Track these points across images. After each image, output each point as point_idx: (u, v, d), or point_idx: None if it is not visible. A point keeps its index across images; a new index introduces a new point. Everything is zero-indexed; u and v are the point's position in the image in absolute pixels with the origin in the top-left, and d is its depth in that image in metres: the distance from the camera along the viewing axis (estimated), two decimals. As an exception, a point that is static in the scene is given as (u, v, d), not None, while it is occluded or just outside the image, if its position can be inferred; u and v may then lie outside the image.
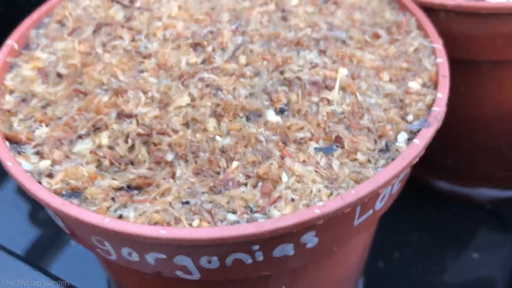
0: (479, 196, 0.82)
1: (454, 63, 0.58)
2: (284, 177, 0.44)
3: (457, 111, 0.65)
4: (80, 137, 0.48)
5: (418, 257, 0.77)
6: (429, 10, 0.60)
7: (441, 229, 0.81)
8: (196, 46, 0.54)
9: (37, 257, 0.80)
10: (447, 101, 0.50)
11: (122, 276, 0.58)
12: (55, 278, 0.53)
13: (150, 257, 0.45)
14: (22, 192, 0.83)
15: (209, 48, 0.53)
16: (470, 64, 0.67)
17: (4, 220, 0.85)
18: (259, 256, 0.44)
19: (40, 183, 0.45)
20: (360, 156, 0.46)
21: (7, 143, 0.48)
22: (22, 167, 0.46)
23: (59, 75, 0.54)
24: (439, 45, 0.55)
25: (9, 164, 0.46)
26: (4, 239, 0.59)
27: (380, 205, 0.47)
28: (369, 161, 0.46)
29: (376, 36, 0.56)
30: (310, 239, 0.44)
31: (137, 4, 0.60)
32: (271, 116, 0.48)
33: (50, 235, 0.83)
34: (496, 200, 0.82)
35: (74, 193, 0.45)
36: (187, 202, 0.43)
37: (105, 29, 0.57)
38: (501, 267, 0.75)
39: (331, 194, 0.43)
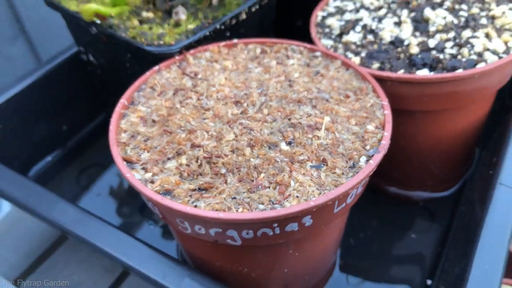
0: (416, 197, 0.85)
1: (397, 112, 0.63)
2: (292, 183, 0.48)
3: (399, 142, 0.71)
4: (168, 159, 0.53)
5: (375, 236, 0.80)
6: (380, 80, 0.65)
7: (390, 218, 0.82)
8: (237, 103, 0.58)
9: (130, 230, 0.83)
10: (391, 137, 0.54)
11: (191, 243, 0.60)
12: (142, 242, 0.58)
13: (212, 231, 0.49)
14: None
15: (245, 104, 0.57)
16: (407, 112, 0.70)
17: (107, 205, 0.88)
18: (277, 230, 0.48)
19: (146, 186, 0.51)
20: (337, 171, 0.49)
21: (125, 163, 0.53)
22: (135, 177, 0.52)
23: (153, 121, 0.58)
24: (386, 102, 0.58)
25: (128, 176, 0.52)
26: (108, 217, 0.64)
27: (350, 200, 0.52)
28: (343, 173, 0.49)
29: (347, 96, 0.60)
30: (308, 220, 0.49)
31: (199, 76, 0.64)
32: (283, 146, 0.52)
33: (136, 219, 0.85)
34: (426, 199, 0.85)
35: (167, 192, 0.49)
36: (234, 198, 0.47)
37: (180, 92, 0.62)
38: (430, 244, 0.78)
39: (320, 193, 0.47)
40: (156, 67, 0.67)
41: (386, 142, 0.52)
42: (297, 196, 0.48)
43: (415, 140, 0.75)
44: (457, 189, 0.86)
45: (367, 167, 0.50)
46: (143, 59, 0.70)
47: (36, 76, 0.87)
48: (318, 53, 0.70)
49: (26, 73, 0.86)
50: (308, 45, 0.70)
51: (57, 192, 0.65)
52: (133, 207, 0.87)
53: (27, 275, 0.77)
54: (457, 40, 0.69)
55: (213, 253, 0.60)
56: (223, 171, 0.50)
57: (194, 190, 0.49)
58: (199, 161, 0.52)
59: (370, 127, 0.55)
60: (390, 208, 0.84)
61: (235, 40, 0.72)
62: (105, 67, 0.83)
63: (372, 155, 0.51)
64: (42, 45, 1.20)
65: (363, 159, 0.51)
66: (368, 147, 0.53)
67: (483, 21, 0.72)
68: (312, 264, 0.64)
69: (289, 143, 0.52)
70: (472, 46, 0.68)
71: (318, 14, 0.82)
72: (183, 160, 0.52)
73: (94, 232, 0.60)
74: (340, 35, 0.77)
